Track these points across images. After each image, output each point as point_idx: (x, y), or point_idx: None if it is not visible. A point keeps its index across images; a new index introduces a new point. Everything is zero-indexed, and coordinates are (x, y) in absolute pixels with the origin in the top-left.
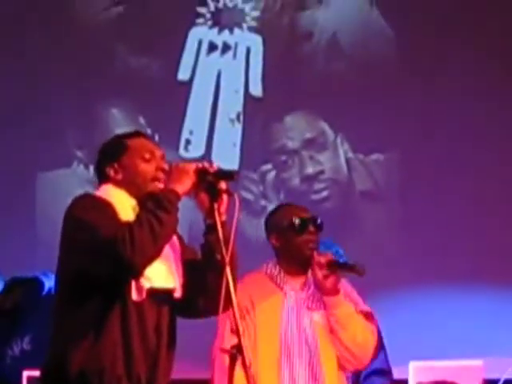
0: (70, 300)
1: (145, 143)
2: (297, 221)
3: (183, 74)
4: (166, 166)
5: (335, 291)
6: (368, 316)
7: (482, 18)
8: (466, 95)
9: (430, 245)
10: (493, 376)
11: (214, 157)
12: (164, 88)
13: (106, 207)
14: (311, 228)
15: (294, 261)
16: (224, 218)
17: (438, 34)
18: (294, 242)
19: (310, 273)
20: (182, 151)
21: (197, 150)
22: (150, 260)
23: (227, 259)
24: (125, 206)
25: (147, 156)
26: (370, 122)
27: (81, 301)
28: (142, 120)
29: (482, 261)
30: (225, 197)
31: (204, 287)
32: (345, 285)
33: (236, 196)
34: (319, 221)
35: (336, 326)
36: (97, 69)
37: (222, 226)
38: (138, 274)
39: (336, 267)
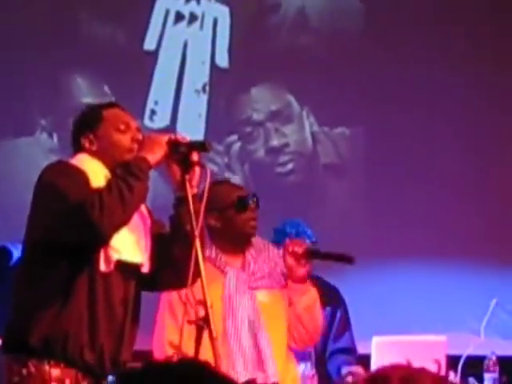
0: (36, 267)
1: (120, 114)
2: (238, 199)
3: (149, 44)
4: (140, 137)
5: (305, 279)
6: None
7: None
8: (433, 70)
9: (393, 219)
10: (455, 352)
11: (179, 127)
12: (130, 57)
13: (79, 174)
14: (252, 205)
15: (235, 240)
16: (195, 190)
17: (406, 8)
18: (235, 221)
19: (248, 251)
20: (146, 121)
21: (162, 121)
22: (118, 226)
23: (197, 232)
24: (98, 175)
25: (122, 127)
26: (336, 96)
27: (48, 268)
28: (106, 89)
29: (447, 236)
30: (197, 169)
31: (171, 260)
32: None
33: (208, 168)
34: (257, 197)
35: (302, 311)
36: (61, 36)
37: (193, 199)
38: (105, 239)
39: (317, 257)
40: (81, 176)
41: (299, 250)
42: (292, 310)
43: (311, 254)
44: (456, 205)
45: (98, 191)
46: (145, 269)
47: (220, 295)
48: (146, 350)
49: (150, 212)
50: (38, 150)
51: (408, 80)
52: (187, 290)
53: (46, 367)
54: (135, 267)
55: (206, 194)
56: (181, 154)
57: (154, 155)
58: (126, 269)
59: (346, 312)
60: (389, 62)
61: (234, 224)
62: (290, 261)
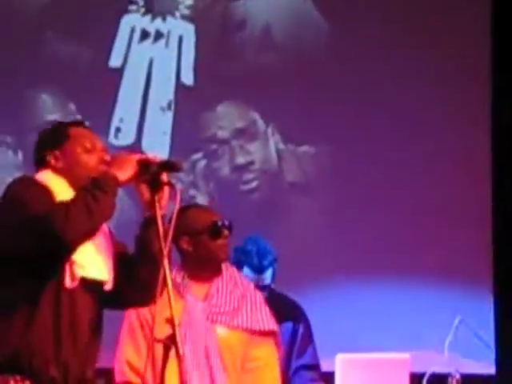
0: (1, 282)
1: (87, 134)
2: (212, 225)
3: (115, 61)
4: (107, 158)
5: None
6: (270, 334)
7: (416, 12)
8: (400, 88)
9: (358, 238)
10: (419, 370)
11: (144, 145)
12: (95, 74)
13: (43, 190)
14: (226, 232)
15: (205, 266)
16: (164, 211)
17: (370, 26)
18: (208, 247)
19: (215, 282)
20: (111, 139)
21: (127, 138)
22: (82, 237)
23: (165, 252)
24: (63, 192)
25: (89, 146)
26: (302, 114)
27: (13, 283)
28: (72, 106)
29: (412, 254)
30: (166, 189)
31: (137, 279)
32: (259, 299)
33: (177, 189)
34: (231, 224)
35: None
36: (27, 54)
37: (162, 219)
38: (68, 250)
39: None
40: (45, 191)
41: None
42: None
43: None
44: (422, 223)
45: (64, 203)
46: (108, 286)
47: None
48: (108, 367)
49: (111, 233)
50: (3, 167)
51: (375, 98)
52: (145, 310)
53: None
54: (99, 285)
55: (175, 215)
56: (151, 173)
57: (124, 173)
58: (90, 286)
59: (308, 327)
60: (354, 80)
61: (206, 249)
62: None
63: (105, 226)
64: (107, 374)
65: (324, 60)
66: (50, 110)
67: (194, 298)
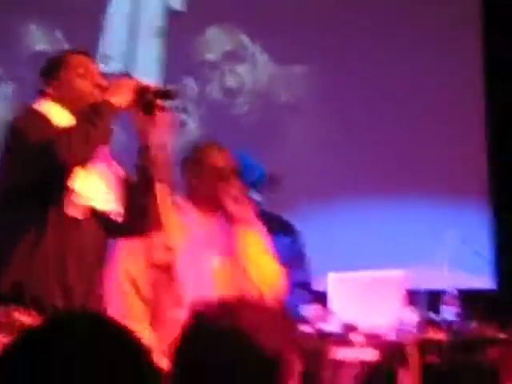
0: (4, 215)
1: (81, 59)
2: (222, 167)
3: None
4: (102, 82)
5: (247, 222)
6: None
7: None
8: (390, 7)
9: (351, 158)
10: (417, 286)
11: (134, 71)
12: (82, 1)
13: (43, 119)
14: (233, 178)
15: (212, 203)
16: (160, 139)
17: None
18: (216, 189)
19: (219, 216)
20: (101, 65)
21: (117, 65)
22: (81, 162)
23: (162, 177)
24: (61, 119)
25: (82, 71)
26: (291, 35)
27: (16, 215)
28: (59, 34)
29: (408, 172)
30: (161, 116)
31: (138, 207)
32: None
33: (172, 113)
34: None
35: (245, 260)
36: None
37: (159, 147)
38: (68, 173)
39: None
40: (44, 121)
41: (233, 190)
42: (240, 262)
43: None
44: (413, 141)
45: (65, 131)
46: (114, 216)
47: (180, 248)
48: None
49: (115, 162)
50: None
51: (367, 19)
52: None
53: (16, 314)
54: (106, 214)
55: (170, 138)
56: (146, 100)
57: (119, 98)
58: (98, 216)
59: (302, 244)
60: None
61: (213, 191)
62: (230, 205)
63: (109, 157)
64: None
65: None
66: (39, 39)
67: (196, 224)
